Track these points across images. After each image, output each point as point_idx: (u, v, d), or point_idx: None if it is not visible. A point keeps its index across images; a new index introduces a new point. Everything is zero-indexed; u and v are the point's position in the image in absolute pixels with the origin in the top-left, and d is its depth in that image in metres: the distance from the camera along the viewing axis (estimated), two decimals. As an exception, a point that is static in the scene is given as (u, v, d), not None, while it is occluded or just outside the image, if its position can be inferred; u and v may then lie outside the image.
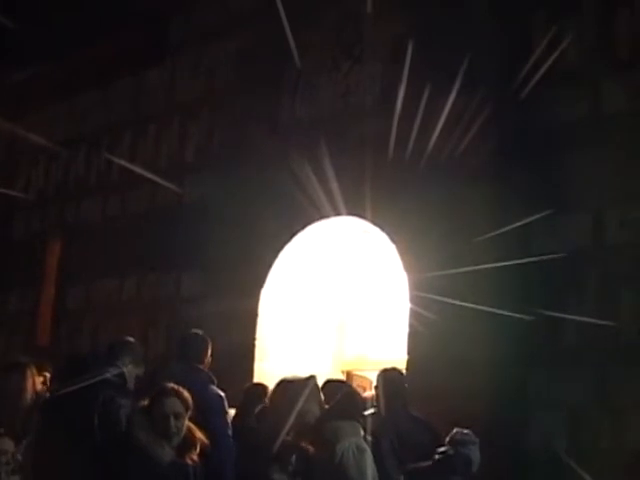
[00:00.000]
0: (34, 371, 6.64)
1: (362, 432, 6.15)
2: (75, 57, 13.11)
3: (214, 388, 6.59)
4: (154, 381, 6.09)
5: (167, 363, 7.05)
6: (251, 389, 7.43)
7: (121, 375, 6.23)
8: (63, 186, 13.63)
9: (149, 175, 11.34)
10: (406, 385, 7.49)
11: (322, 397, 6.47)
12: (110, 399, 5.90)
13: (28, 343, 13.39)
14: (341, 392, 6.55)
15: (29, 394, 6.45)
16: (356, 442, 5.99)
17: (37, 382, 6.71)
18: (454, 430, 6.68)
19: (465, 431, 6.66)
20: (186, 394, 5.61)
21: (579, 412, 7.62)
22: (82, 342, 12.29)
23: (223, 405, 6.53)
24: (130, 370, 6.32)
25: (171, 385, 5.66)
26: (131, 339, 6.70)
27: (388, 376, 7.41)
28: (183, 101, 11.88)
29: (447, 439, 6.64)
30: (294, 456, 6.06)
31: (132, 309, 11.61)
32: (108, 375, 6.12)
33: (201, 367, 6.74)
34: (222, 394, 6.58)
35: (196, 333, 7.03)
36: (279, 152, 9.73)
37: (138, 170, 11.54)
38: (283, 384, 6.39)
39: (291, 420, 5.94)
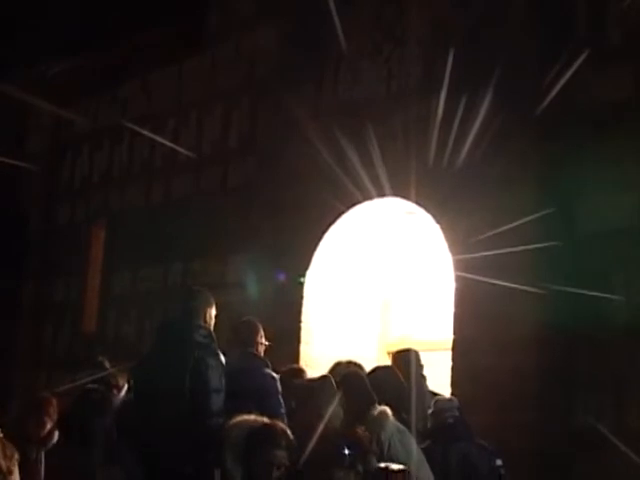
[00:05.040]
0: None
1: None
2: (117, 47, 13.22)
3: (269, 371, 6.75)
4: None
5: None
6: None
7: (208, 335, 6.31)
8: (107, 173, 13.73)
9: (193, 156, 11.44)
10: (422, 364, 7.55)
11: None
12: (200, 360, 6.01)
13: (74, 330, 13.54)
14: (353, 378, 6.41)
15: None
16: (395, 425, 5.99)
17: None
18: None
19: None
20: (292, 439, 5.16)
21: (626, 392, 7.61)
22: (128, 329, 12.42)
23: (277, 386, 6.64)
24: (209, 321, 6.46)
25: (281, 427, 5.24)
26: (195, 288, 6.83)
27: (408, 356, 7.46)
28: (225, 87, 11.92)
29: None
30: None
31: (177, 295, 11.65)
32: (197, 337, 6.20)
33: (254, 351, 6.90)
34: (276, 376, 6.74)
35: (247, 320, 7.20)
36: (323, 135, 9.74)
37: (183, 152, 11.62)
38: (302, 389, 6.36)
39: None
